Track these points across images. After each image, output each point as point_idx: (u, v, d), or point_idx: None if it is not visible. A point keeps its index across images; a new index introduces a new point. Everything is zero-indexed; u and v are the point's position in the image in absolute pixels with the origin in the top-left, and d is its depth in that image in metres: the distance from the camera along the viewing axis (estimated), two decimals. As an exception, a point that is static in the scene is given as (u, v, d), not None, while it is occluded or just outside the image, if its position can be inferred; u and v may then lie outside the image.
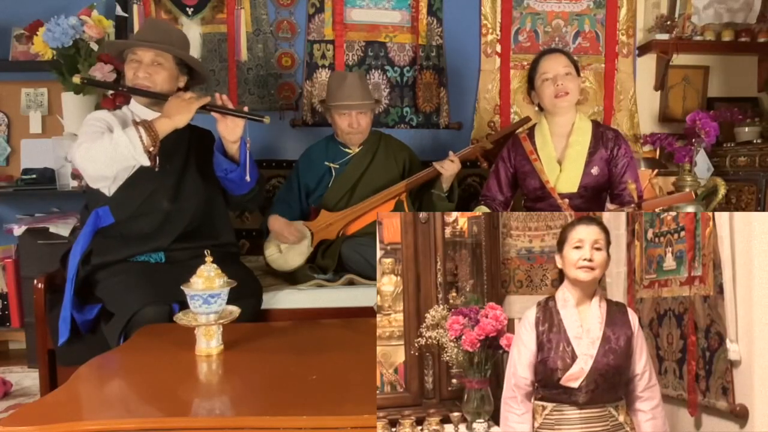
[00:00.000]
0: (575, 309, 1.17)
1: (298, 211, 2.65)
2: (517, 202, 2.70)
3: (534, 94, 2.46)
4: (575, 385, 1.11)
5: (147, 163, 1.89)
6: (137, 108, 2.12)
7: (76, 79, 2.09)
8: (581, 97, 2.45)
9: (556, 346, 1.15)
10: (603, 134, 2.41)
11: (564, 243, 1.19)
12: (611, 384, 1.13)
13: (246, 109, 2.03)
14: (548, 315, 1.18)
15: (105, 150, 1.86)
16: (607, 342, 1.14)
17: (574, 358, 1.13)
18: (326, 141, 2.73)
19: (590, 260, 1.16)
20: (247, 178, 2.05)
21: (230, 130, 2.00)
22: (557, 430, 1.13)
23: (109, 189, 2.02)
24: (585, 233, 1.17)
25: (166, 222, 2.05)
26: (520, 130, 2.65)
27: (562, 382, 1.12)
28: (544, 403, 1.15)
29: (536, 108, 2.53)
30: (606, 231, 1.18)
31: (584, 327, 1.15)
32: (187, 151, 2.15)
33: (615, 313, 1.17)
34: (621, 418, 1.13)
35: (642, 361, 1.15)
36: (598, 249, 1.16)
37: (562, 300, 1.19)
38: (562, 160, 2.40)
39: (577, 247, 1.17)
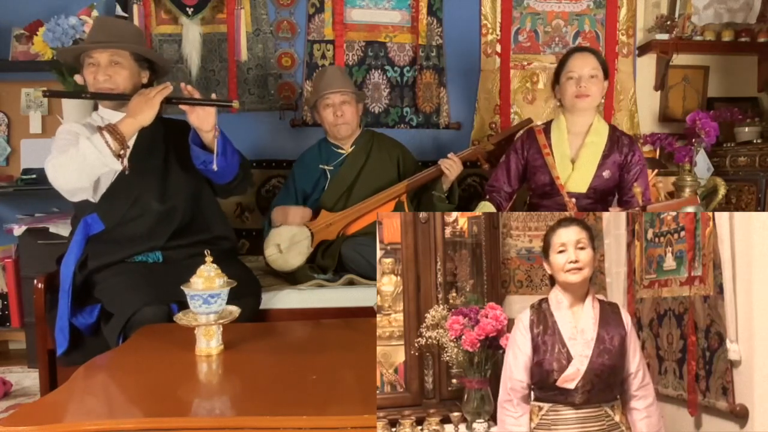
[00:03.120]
0: (569, 310, 1.18)
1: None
2: (517, 200, 2.70)
3: (557, 89, 2.43)
4: (571, 386, 1.12)
5: (119, 167, 1.87)
6: (105, 112, 2.10)
7: (38, 94, 2.07)
8: (603, 100, 2.42)
9: (552, 348, 1.15)
10: (619, 139, 2.41)
11: (548, 249, 1.19)
12: (607, 384, 1.13)
13: (213, 96, 2.00)
14: (542, 317, 1.18)
15: (73, 162, 1.84)
16: (601, 342, 1.14)
17: (569, 359, 1.13)
18: (319, 144, 2.74)
19: (576, 261, 1.16)
20: (214, 167, 1.99)
21: (202, 120, 1.96)
22: (554, 431, 1.13)
23: (92, 197, 2.01)
24: (566, 236, 1.17)
25: (159, 222, 2.04)
26: (535, 123, 2.64)
27: (559, 383, 1.12)
28: (541, 404, 1.15)
29: (557, 103, 2.50)
30: (587, 229, 1.19)
31: (578, 328, 1.16)
32: (165, 148, 2.13)
33: (608, 314, 1.17)
34: (617, 418, 1.13)
35: (636, 360, 1.16)
36: (581, 248, 1.17)
37: (556, 302, 1.19)
38: (576, 159, 2.39)
39: (561, 251, 1.17)
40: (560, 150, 2.40)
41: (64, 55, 2.21)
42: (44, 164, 1.93)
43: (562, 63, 2.41)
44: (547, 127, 2.49)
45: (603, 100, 2.42)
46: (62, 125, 2.14)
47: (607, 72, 2.39)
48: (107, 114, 2.08)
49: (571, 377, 1.12)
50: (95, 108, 2.18)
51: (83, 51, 2.06)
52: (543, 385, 1.15)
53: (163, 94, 1.92)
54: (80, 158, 1.84)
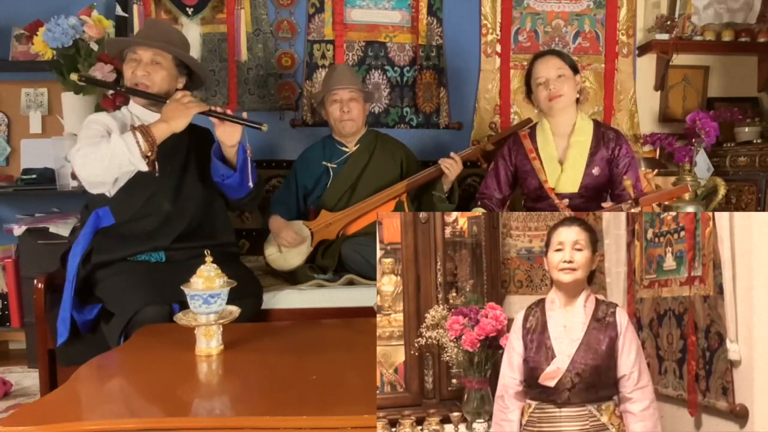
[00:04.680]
0: (562, 310, 1.18)
1: (296, 212, 2.65)
2: (516, 201, 2.70)
3: (533, 98, 2.46)
4: (551, 384, 1.12)
5: (145, 168, 1.89)
6: (136, 109, 2.12)
7: (74, 77, 2.08)
8: (581, 96, 2.44)
9: (538, 346, 1.16)
10: (604, 134, 2.41)
11: (548, 246, 1.20)
12: (590, 384, 1.13)
13: (245, 115, 2.03)
14: (536, 316, 1.19)
15: (102, 157, 1.86)
16: (587, 342, 1.14)
17: (552, 357, 1.14)
18: (323, 141, 2.74)
19: (570, 261, 1.16)
20: (250, 184, 2.06)
21: (228, 135, 2.00)
22: (539, 428, 1.14)
23: (109, 191, 2.02)
24: (565, 235, 1.18)
25: (167, 222, 2.05)
26: (524, 127, 2.64)
27: (540, 381, 1.13)
28: (530, 401, 1.16)
29: (536, 110, 2.53)
30: (589, 230, 1.19)
31: (567, 327, 1.16)
32: (186, 152, 2.15)
33: (602, 314, 1.17)
34: (604, 419, 1.12)
35: (629, 362, 1.14)
36: (578, 250, 1.17)
37: (550, 301, 1.20)
38: (564, 160, 2.39)
39: (558, 250, 1.18)
40: (547, 152, 2.42)
41: (110, 47, 2.26)
42: (71, 154, 1.96)
43: (528, 72, 2.45)
44: (532, 131, 2.50)
45: (581, 96, 2.43)
46: (91, 115, 2.18)
47: (575, 68, 2.41)
48: (137, 111, 2.12)
49: (550, 375, 1.12)
50: (125, 104, 2.21)
51: (129, 45, 2.10)
52: (531, 383, 1.16)
53: (199, 108, 1.96)
54: (109, 154, 1.86)
